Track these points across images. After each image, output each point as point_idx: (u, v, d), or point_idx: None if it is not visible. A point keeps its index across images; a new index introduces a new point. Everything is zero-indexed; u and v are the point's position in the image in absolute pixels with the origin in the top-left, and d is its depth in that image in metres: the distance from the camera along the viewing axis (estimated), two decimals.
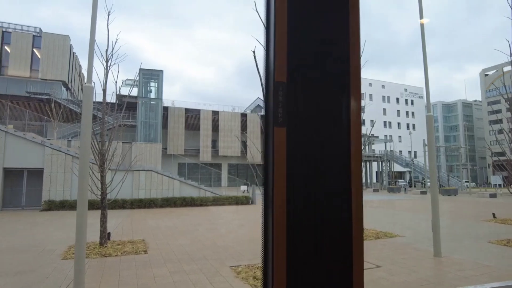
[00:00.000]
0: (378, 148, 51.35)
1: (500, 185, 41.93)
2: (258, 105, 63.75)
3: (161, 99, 40.72)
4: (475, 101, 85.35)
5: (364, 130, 41.22)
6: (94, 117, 5.93)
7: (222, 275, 5.42)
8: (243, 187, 27.90)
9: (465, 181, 46.60)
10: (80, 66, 47.61)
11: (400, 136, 70.18)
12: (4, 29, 37.66)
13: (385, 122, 70.23)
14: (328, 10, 0.62)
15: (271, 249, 0.57)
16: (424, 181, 42.06)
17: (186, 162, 40.68)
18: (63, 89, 39.69)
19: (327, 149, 0.59)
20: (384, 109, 71.15)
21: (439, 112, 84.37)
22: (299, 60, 0.60)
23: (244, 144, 44.08)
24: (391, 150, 49.03)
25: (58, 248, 7.43)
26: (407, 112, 74.49)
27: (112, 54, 7.76)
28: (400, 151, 60.95)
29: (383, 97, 71.76)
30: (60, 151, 17.00)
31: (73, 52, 43.46)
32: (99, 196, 7.80)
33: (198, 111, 45.45)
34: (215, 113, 46.01)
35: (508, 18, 7.90)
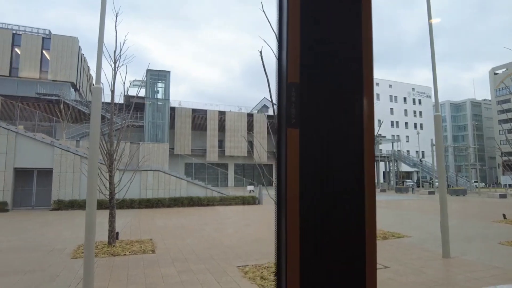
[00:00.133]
0: (385, 148, 51.00)
1: (510, 185, 41.30)
2: (265, 105, 63.72)
3: (168, 99, 40.95)
4: (485, 100, 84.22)
5: None
6: (102, 117, 5.99)
7: (230, 275, 5.43)
8: (250, 187, 27.91)
9: (474, 181, 46.03)
10: (88, 67, 48.14)
11: (407, 136, 69.58)
12: (14, 32, 38.25)
13: (392, 122, 69.68)
14: (341, 10, 0.62)
15: (284, 249, 0.57)
16: (432, 181, 41.63)
17: (193, 162, 40.87)
18: (72, 90, 40.18)
19: (340, 150, 0.60)
20: (392, 109, 70.61)
21: (447, 111, 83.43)
22: (312, 61, 0.61)
23: (250, 144, 44.13)
24: (398, 150, 48.62)
25: (67, 247, 7.52)
26: (414, 112, 73.82)
27: (120, 56, 7.84)
28: (408, 151, 60.45)
29: (390, 96, 71.20)
30: (69, 151, 17.21)
31: (82, 54, 43.95)
32: (108, 196, 7.88)
33: (205, 111, 45.62)
34: (222, 113, 46.14)
35: None
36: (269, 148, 35.96)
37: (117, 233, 8.05)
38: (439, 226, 6.99)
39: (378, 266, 6.23)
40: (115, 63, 7.80)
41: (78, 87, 41.72)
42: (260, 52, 5.81)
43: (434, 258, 6.60)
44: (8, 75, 36.41)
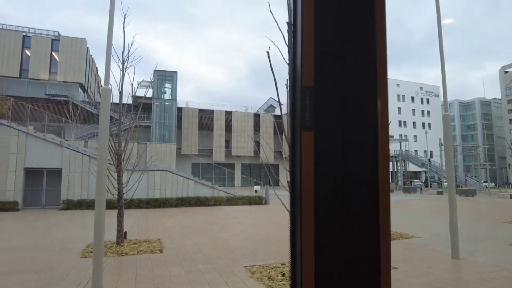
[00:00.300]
0: (393, 147, 50.54)
1: None
2: (271, 105, 63.65)
3: (176, 100, 41.15)
4: (494, 99, 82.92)
5: None
6: (111, 118, 6.05)
7: (237, 275, 5.45)
8: (256, 187, 27.91)
9: (484, 181, 45.38)
10: (96, 68, 48.64)
11: (415, 136, 68.87)
12: (25, 34, 38.82)
13: (400, 121, 69.02)
14: (355, 12, 0.63)
15: (299, 250, 0.58)
16: (441, 181, 41.17)
17: (200, 162, 40.99)
18: (80, 90, 40.63)
19: (355, 152, 0.60)
20: (399, 108, 69.93)
21: (455, 110, 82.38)
22: (326, 64, 0.61)
23: (257, 144, 44.13)
24: (406, 150, 48.18)
25: (77, 246, 7.61)
26: (422, 111, 73.02)
27: (128, 57, 7.90)
28: (416, 151, 59.86)
29: (398, 96, 70.52)
30: (77, 151, 17.40)
31: (90, 55, 44.43)
32: (116, 196, 7.96)
33: (212, 111, 45.74)
34: (228, 114, 46.21)
35: None
36: (276, 148, 35.93)
37: (125, 232, 8.13)
38: (447, 226, 6.92)
39: None
40: (123, 64, 7.87)
41: (86, 87, 42.20)
42: (268, 53, 5.81)
43: (443, 259, 6.54)
44: (18, 76, 36.97)
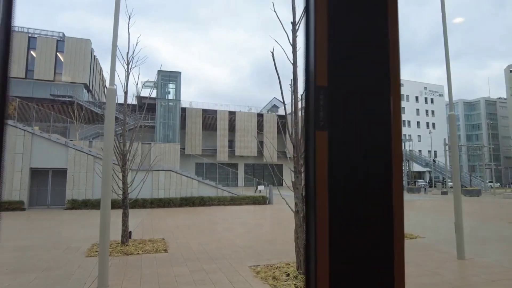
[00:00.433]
0: None
1: None
2: (274, 105, 63.64)
3: (179, 100, 41.29)
4: (500, 98, 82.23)
5: None
6: (115, 118, 6.08)
7: (242, 275, 5.46)
8: (260, 187, 27.91)
9: (489, 182, 45.05)
10: (101, 68, 48.89)
11: (419, 135, 68.48)
12: (30, 35, 39.13)
13: (404, 121, 68.66)
14: (367, 12, 0.63)
15: (314, 249, 0.58)
16: (445, 181, 40.94)
17: (203, 162, 41.09)
18: (85, 91, 40.89)
19: (369, 151, 0.60)
20: (403, 108, 69.56)
21: (460, 110, 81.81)
22: (339, 64, 0.61)
23: (260, 144, 44.14)
24: (410, 150, 47.94)
25: (82, 246, 7.66)
26: (426, 111, 72.59)
27: (132, 57, 7.94)
28: (420, 151, 59.47)
29: (402, 95, 70.12)
30: (82, 151, 17.51)
31: (94, 55, 44.68)
32: (121, 196, 8.00)
33: (215, 111, 45.83)
34: (232, 114, 46.28)
35: None
36: (279, 148, 35.91)
37: (130, 232, 8.16)
38: (452, 227, 6.88)
39: None
40: (128, 64, 7.91)
41: (90, 88, 42.45)
42: (272, 53, 5.81)
43: (448, 260, 6.50)
44: (24, 77, 37.28)
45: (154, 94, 39.52)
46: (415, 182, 47.16)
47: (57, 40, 39.70)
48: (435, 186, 42.39)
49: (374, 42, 0.62)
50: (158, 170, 18.49)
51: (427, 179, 53.22)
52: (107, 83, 5.79)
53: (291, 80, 5.80)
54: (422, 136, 67.81)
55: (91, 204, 16.03)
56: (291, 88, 5.87)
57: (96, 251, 6.81)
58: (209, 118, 45.88)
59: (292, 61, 5.65)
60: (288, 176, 6.34)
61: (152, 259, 6.53)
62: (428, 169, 50.58)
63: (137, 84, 8.43)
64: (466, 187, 35.38)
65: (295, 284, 4.87)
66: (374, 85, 0.62)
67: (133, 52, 7.98)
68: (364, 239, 0.59)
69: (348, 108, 0.61)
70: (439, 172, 46.45)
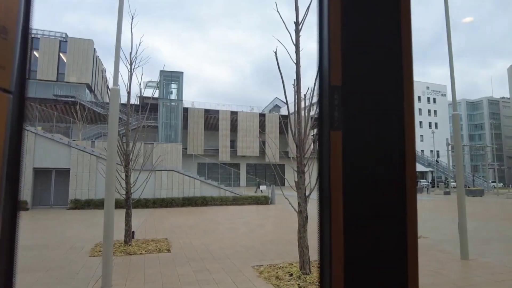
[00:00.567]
0: None
1: None
2: (276, 105, 63.64)
3: (181, 100, 41.33)
4: (503, 98, 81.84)
5: None
6: (119, 119, 6.10)
7: (245, 275, 5.46)
8: (263, 187, 27.90)
9: (492, 182, 44.89)
10: (104, 69, 49.04)
11: (422, 135, 68.28)
12: (33, 35, 39.23)
13: None
14: (380, 11, 0.63)
15: (329, 250, 0.58)
16: (448, 181, 40.83)
17: (205, 162, 41.12)
18: (87, 91, 41.01)
19: (383, 151, 0.61)
20: None
21: (463, 110, 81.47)
22: (353, 64, 0.61)
23: (262, 144, 44.13)
24: None
25: (85, 245, 7.69)
26: (429, 111, 72.40)
27: (135, 57, 7.96)
28: (422, 151, 59.35)
29: None
30: (85, 151, 17.57)
31: (97, 56, 44.82)
32: (124, 196, 8.02)
33: (217, 111, 45.85)
34: (234, 114, 46.30)
35: None
36: (281, 148, 35.89)
37: (133, 232, 8.18)
38: (456, 227, 6.86)
39: None
40: (131, 65, 7.93)
41: (93, 88, 42.57)
42: (275, 53, 5.82)
43: (452, 260, 6.49)
44: (27, 77, 37.37)
45: (156, 94, 39.59)
46: (417, 182, 46.95)
47: (60, 41, 39.83)
48: (437, 186, 42.26)
49: (388, 41, 0.63)
50: (161, 170, 18.52)
51: (430, 179, 53.10)
52: (110, 83, 5.80)
53: (294, 80, 5.80)
54: (425, 136, 67.61)
55: (94, 204, 16.08)
56: (294, 88, 5.87)
57: (99, 251, 6.83)
58: (211, 118, 45.91)
59: (295, 61, 5.65)
60: (290, 176, 6.34)
61: (155, 259, 6.54)
62: (430, 169, 50.45)
63: (140, 84, 8.45)
64: (469, 187, 35.28)
65: (298, 284, 4.87)
66: (388, 84, 0.62)
67: (136, 52, 8.00)
68: (378, 239, 0.59)
69: (363, 108, 0.61)
70: (442, 172, 46.33)
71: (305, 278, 5.07)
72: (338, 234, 0.58)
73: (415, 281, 0.58)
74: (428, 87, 73.66)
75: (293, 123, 5.86)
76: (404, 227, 0.59)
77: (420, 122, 70.77)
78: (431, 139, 55.10)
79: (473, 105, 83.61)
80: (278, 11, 5.96)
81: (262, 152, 43.90)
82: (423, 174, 59.32)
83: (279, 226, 11.23)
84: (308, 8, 5.55)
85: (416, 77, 0.69)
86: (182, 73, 41.42)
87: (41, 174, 16.83)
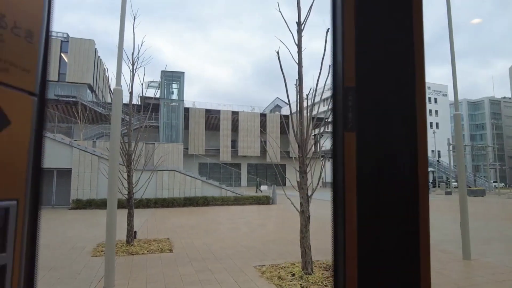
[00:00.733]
0: None
1: None
2: (277, 105, 63.65)
3: (183, 100, 41.35)
4: (504, 98, 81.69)
5: None
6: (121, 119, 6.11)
7: (247, 275, 5.47)
8: (264, 187, 27.90)
9: (493, 182, 44.83)
10: (105, 69, 49.05)
11: None
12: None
13: None
14: (393, 11, 0.63)
15: (342, 252, 0.59)
16: (449, 181, 40.78)
17: (207, 162, 41.15)
18: (89, 91, 41.06)
19: (396, 152, 0.61)
20: None
21: (464, 110, 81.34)
22: (367, 64, 0.62)
23: (264, 143, 44.13)
24: None
25: (87, 245, 7.71)
26: (430, 111, 72.28)
27: (138, 58, 7.97)
28: None
29: None
30: (87, 151, 17.59)
31: (98, 56, 44.87)
32: (125, 196, 8.03)
33: (218, 111, 45.87)
34: (235, 114, 46.30)
35: None
36: (282, 148, 35.89)
37: (135, 232, 8.20)
38: (457, 227, 6.85)
39: None
40: (133, 65, 7.94)
41: (94, 88, 42.63)
42: (278, 53, 5.82)
43: (454, 260, 6.48)
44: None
45: (157, 95, 39.61)
46: None
47: (61, 41, 39.89)
48: (439, 186, 42.22)
49: (400, 41, 0.63)
50: (162, 170, 18.54)
51: (431, 179, 53.06)
52: (111, 84, 5.81)
53: (296, 80, 5.81)
54: None
55: (96, 204, 16.10)
56: (296, 88, 5.87)
57: (102, 251, 6.85)
58: (212, 118, 45.93)
59: (297, 61, 5.66)
60: (291, 176, 6.35)
61: (157, 259, 6.55)
62: (431, 169, 50.37)
63: (142, 84, 8.46)
64: (470, 187, 35.24)
65: (300, 284, 4.87)
66: (401, 85, 0.63)
67: (138, 52, 8.02)
68: (391, 239, 0.59)
69: (376, 108, 0.61)
70: (443, 172, 46.26)
71: (307, 278, 5.08)
72: (352, 235, 0.58)
73: (428, 281, 0.59)
74: (429, 87, 73.53)
75: (295, 123, 5.87)
76: (417, 226, 0.60)
77: None
78: (432, 139, 55.02)
79: (474, 105, 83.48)
80: (280, 12, 5.97)
81: (263, 152, 43.89)
82: None
83: (281, 226, 11.23)
84: (310, 8, 5.56)
85: None
86: (183, 73, 41.42)
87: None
